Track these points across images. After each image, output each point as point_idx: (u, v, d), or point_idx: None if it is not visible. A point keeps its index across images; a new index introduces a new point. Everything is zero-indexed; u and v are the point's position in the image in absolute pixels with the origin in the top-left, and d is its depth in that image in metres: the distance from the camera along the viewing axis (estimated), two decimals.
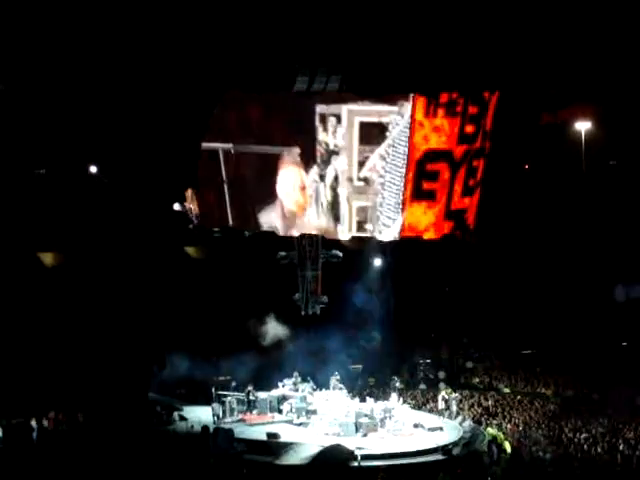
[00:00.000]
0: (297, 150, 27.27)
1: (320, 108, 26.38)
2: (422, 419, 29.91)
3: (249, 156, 28.14)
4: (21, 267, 33.34)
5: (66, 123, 29.12)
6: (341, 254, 32.56)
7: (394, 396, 31.02)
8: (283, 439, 26.68)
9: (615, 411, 30.66)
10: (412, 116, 26.26)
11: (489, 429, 28.83)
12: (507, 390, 35.85)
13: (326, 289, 32.49)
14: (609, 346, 35.59)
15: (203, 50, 24.61)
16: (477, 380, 37.66)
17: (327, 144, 26.93)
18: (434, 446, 26.18)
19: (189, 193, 30.62)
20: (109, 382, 30.69)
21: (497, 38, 24.33)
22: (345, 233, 28.43)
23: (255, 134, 27.66)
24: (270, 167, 27.85)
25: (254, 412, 30.51)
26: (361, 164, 27.08)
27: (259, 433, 27.59)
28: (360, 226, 28.24)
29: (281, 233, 29.16)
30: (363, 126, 26.65)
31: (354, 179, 27.36)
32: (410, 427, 28.56)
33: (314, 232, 29.62)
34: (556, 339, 36.97)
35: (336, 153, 27.04)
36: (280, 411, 30.41)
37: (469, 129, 27.27)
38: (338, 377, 32.12)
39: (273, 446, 26.23)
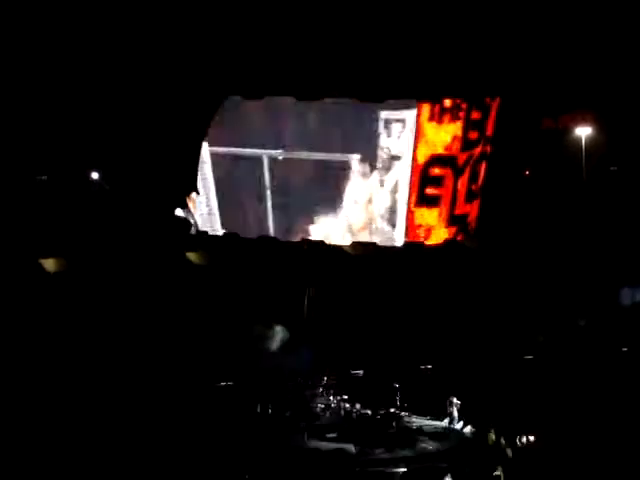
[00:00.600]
0: (357, 156, 27.32)
1: (385, 114, 26.45)
2: (425, 424, 29.92)
3: (302, 163, 28.03)
4: (23, 273, 33.36)
5: (68, 129, 29.18)
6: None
7: (398, 401, 31.05)
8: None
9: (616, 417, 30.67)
10: (417, 122, 26.39)
11: (491, 434, 28.82)
12: None
13: None
14: (610, 351, 35.57)
15: (205, 55, 24.69)
16: None
17: (389, 149, 26.99)
18: (437, 451, 26.21)
19: (192, 197, 30.64)
20: (111, 388, 30.70)
21: (498, 43, 24.41)
22: (401, 239, 28.42)
23: (311, 141, 27.59)
24: (329, 175, 27.82)
25: None
26: None
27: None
28: None
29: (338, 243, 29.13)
30: None
31: None
32: (412, 432, 28.60)
33: (374, 240, 29.52)
34: (557, 345, 36.97)
35: (398, 158, 27.11)
36: None
37: (472, 135, 27.37)
38: None
39: None
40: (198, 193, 30.24)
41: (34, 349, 32.23)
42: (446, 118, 26.62)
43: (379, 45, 24.19)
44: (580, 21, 24.15)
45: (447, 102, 26.58)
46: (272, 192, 28.90)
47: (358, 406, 31.08)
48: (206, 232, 31.05)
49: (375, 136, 26.98)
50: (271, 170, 28.34)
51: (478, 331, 39.27)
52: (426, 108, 26.35)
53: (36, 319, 32.87)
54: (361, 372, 37.75)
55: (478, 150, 27.79)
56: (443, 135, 26.86)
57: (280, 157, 27.96)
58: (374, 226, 28.52)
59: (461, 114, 26.95)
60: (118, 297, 33.63)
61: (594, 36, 24.54)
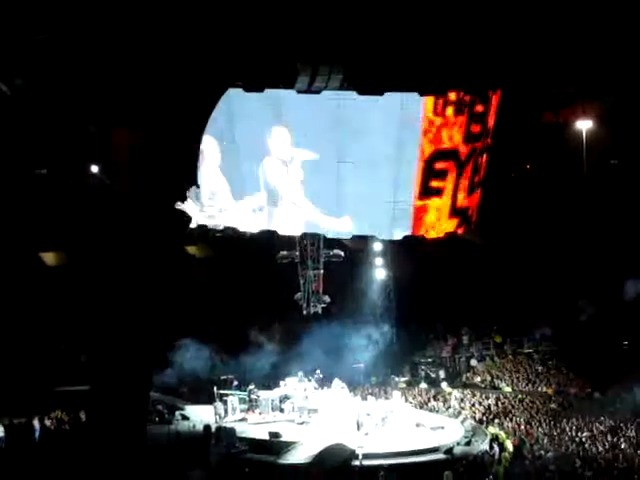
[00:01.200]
0: None
1: None
2: (424, 418, 29.96)
3: None
4: (23, 267, 33.38)
5: (67, 123, 29.11)
6: (342, 253, 32.63)
7: (397, 395, 31.06)
8: (285, 438, 26.74)
9: (616, 410, 30.72)
10: (422, 114, 26.38)
11: (490, 428, 28.87)
12: (508, 389, 35.83)
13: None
14: (611, 345, 35.61)
15: (203, 47, 24.58)
16: (479, 379, 37.64)
17: None
18: (436, 445, 26.23)
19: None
20: (111, 381, 30.65)
21: (498, 35, 24.31)
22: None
23: None
24: None
25: (256, 411, 30.54)
26: None
27: (261, 432, 27.66)
28: None
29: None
30: None
31: None
32: (412, 426, 28.63)
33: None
34: (559, 337, 37.05)
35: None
36: (282, 410, 30.45)
37: (475, 128, 27.38)
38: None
39: (275, 445, 26.28)
40: (198, 186, 30.13)
41: (34, 341, 32.30)
42: (451, 112, 26.62)
43: (377, 36, 24.07)
44: (580, 15, 24.05)
45: (452, 96, 26.56)
46: None
47: (357, 399, 31.16)
48: (206, 225, 30.95)
49: None
50: None
51: (480, 323, 39.43)
52: (430, 102, 26.33)
53: (36, 311, 32.91)
54: (362, 365, 37.86)
55: (480, 143, 27.81)
56: (447, 129, 26.86)
57: None
58: None
59: (465, 108, 26.96)
60: (117, 290, 33.56)
61: (594, 30, 24.43)
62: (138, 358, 31.67)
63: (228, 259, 36.33)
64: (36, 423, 27.41)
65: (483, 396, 34.25)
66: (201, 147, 27.27)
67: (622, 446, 26.32)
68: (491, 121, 28.00)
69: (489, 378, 37.41)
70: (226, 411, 30.16)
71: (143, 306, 32.37)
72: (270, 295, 35.56)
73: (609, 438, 27.28)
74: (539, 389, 35.49)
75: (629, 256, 33.62)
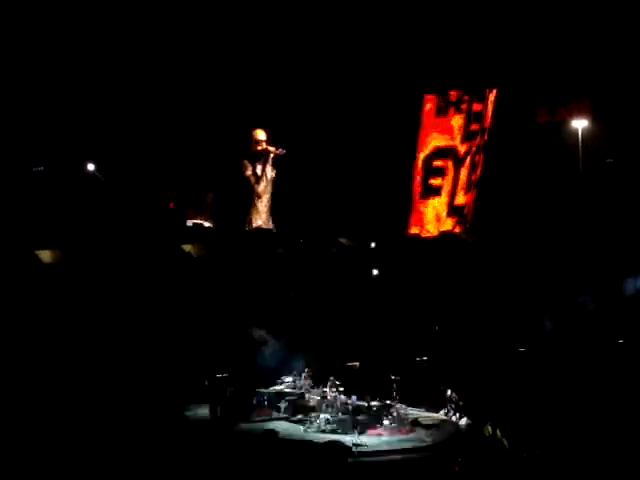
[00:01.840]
0: None
1: None
2: (420, 416, 29.97)
3: None
4: (19, 265, 33.31)
5: (64, 120, 29.13)
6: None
7: (394, 393, 31.08)
8: (280, 436, 26.72)
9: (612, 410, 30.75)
10: (422, 113, 26.53)
11: (487, 425, 28.89)
12: None
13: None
14: (606, 343, 35.67)
15: (201, 45, 24.66)
16: None
17: None
18: (432, 443, 26.27)
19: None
20: (108, 381, 30.70)
21: (495, 35, 24.43)
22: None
23: None
24: None
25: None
26: None
27: (256, 430, 27.62)
28: None
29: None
30: None
31: None
32: (408, 424, 28.65)
33: None
34: (552, 337, 37.07)
35: None
36: (278, 408, 30.43)
37: (473, 126, 27.55)
38: None
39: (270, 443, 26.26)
40: (197, 187, 30.20)
41: (29, 341, 32.22)
42: (450, 110, 26.80)
43: (377, 38, 24.19)
44: (576, 13, 24.15)
45: (452, 94, 26.76)
46: None
47: (354, 398, 31.15)
48: (201, 224, 31.01)
49: None
50: None
51: (474, 323, 39.43)
52: (432, 101, 26.50)
53: (31, 311, 32.83)
54: (357, 364, 37.84)
55: (478, 141, 27.98)
56: (447, 128, 27.03)
57: None
58: None
59: (463, 106, 27.12)
60: (114, 289, 33.61)
61: (591, 28, 24.54)
62: (136, 357, 31.82)
63: (224, 258, 36.30)
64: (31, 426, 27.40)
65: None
66: None
67: (619, 445, 26.32)
68: (488, 120, 28.15)
69: None
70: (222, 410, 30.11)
71: (139, 305, 32.53)
72: (266, 292, 35.55)
73: (606, 436, 27.28)
74: (534, 386, 35.46)
75: (625, 254, 33.70)
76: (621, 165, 32.91)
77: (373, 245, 37.28)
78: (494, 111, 28.35)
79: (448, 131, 26.97)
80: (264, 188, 29.81)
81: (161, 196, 32.22)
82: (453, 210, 28.76)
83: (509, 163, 32.23)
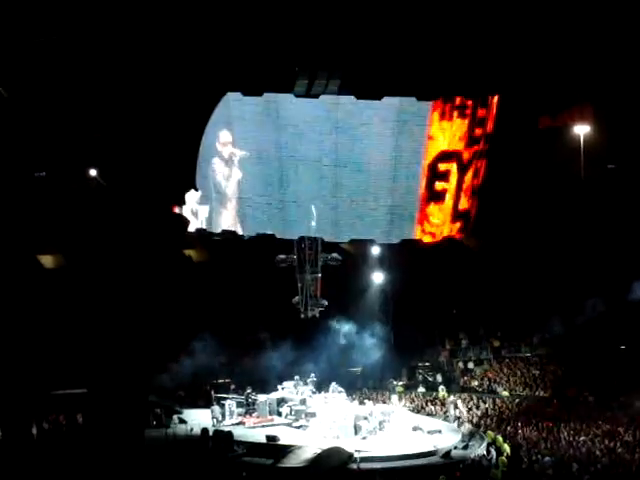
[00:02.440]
0: None
1: None
2: (421, 422, 29.95)
3: None
4: (21, 269, 33.36)
5: (66, 126, 29.16)
6: (340, 257, 32.62)
7: (395, 399, 31.09)
8: (282, 442, 26.73)
9: (613, 414, 30.72)
10: (429, 118, 26.58)
11: (488, 432, 28.85)
12: (506, 393, 35.81)
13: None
14: (608, 349, 35.63)
15: (203, 52, 24.65)
16: (476, 383, 37.63)
17: None
18: (433, 449, 26.23)
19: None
20: (109, 384, 30.68)
21: (498, 42, 24.42)
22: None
23: None
24: None
25: (253, 415, 30.53)
26: None
27: (258, 436, 27.65)
28: None
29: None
30: None
31: None
32: (409, 430, 28.64)
33: None
34: (556, 341, 37.04)
35: None
36: (279, 414, 30.46)
37: (477, 131, 27.63)
38: None
39: (272, 449, 26.27)
40: (197, 190, 30.22)
41: (31, 344, 32.27)
42: (455, 115, 26.90)
43: (374, 42, 24.16)
44: (578, 20, 24.14)
45: (456, 100, 26.83)
46: None
47: (355, 403, 31.16)
48: (204, 229, 31.00)
49: None
50: None
51: (477, 327, 39.44)
52: (438, 106, 26.58)
53: (34, 314, 32.89)
54: (359, 369, 37.88)
55: (481, 146, 28.05)
56: (452, 132, 27.11)
57: None
58: None
59: (468, 111, 27.23)
60: (115, 293, 33.62)
61: (592, 35, 24.53)
62: (136, 362, 31.81)
63: (225, 262, 36.34)
64: (34, 426, 27.44)
65: (480, 400, 34.23)
66: None
67: (619, 451, 26.28)
68: (490, 125, 28.16)
69: (486, 382, 37.41)
70: (223, 415, 30.16)
71: (141, 309, 32.52)
72: (267, 299, 35.55)
73: (606, 442, 27.24)
74: (536, 393, 35.48)
75: (626, 260, 33.65)
76: (623, 171, 32.87)
77: (376, 250, 37.39)
78: (496, 117, 28.38)
79: (453, 136, 27.01)
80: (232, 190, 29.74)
81: (163, 201, 32.23)
82: (458, 215, 28.77)
83: (512, 168, 32.20)
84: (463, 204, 28.88)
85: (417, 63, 25.16)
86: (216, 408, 30.20)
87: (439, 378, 37.98)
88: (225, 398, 31.05)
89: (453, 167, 27.88)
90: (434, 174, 27.66)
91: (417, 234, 28.53)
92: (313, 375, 32.55)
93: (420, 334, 38.95)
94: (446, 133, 27.35)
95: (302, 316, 32.48)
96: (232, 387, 32.48)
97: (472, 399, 34.39)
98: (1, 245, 32.04)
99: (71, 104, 28.01)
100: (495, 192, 31.14)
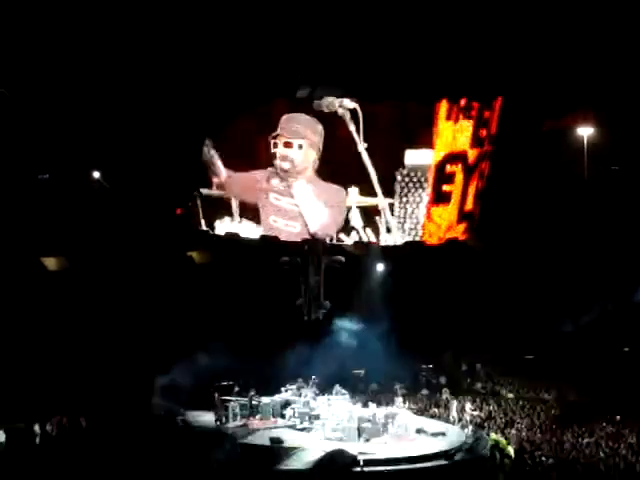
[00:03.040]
0: None
1: None
2: (425, 424, 29.91)
3: None
4: (24, 272, 33.38)
5: (69, 128, 29.18)
6: (343, 259, 32.59)
7: (399, 401, 31.03)
8: (286, 444, 26.71)
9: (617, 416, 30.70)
10: (435, 120, 26.64)
11: (492, 434, 28.82)
12: (510, 395, 35.80)
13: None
14: (611, 351, 35.61)
15: (205, 56, 24.67)
16: (480, 385, 37.61)
17: None
18: (437, 451, 26.19)
19: None
20: (112, 387, 30.70)
21: (502, 44, 24.41)
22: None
23: None
24: None
25: (257, 417, 30.50)
26: None
27: (262, 438, 27.62)
28: None
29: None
30: None
31: None
32: (413, 432, 28.59)
33: None
34: (559, 344, 36.98)
35: None
36: (283, 416, 30.43)
37: (482, 133, 27.67)
38: None
39: (276, 451, 26.24)
40: (200, 192, 30.22)
41: (35, 346, 32.28)
42: (461, 117, 26.96)
43: (376, 47, 24.17)
44: (582, 22, 24.14)
45: (462, 101, 26.89)
46: None
47: (358, 405, 31.13)
48: (207, 231, 31.00)
49: None
50: None
51: (481, 330, 39.38)
52: (444, 107, 26.61)
53: (37, 316, 32.91)
54: (362, 372, 37.81)
55: (486, 148, 28.10)
56: (458, 133, 27.16)
57: None
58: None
59: (473, 113, 27.27)
60: (118, 295, 33.66)
61: (596, 37, 24.52)
62: (139, 364, 31.79)
63: (228, 264, 36.32)
64: (37, 428, 27.44)
65: (484, 402, 34.20)
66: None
67: (623, 452, 26.27)
68: (494, 127, 28.19)
69: (490, 384, 37.40)
70: (227, 417, 30.15)
71: (144, 312, 32.50)
72: (270, 301, 35.53)
73: (610, 444, 27.23)
74: (540, 395, 35.46)
75: (630, 262, 33.65)
76: (627, 172, 32.86)
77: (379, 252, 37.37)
78: (499, 119, 28.42)
79: (458, 137, 27.11)
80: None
81: (167, 203, 32.25)
82: (464, 217, 28.84)
83: (515, 170, 32.19)
84: (468, 205, 28.92)
85: (420, 67, 25.16)
86: (219, 410, 30.17)
87: (443, 380, 37.93)
88: (228, 400, 31.02)
89: (459, 168, 27.93)
90: (442, 176, 27.71)
91: (424, 236, 28.58)
92: (316, 377, 32.57)
93: (424, 336, 38.89)
94: (452, 135, 27.43)
95: (305, 318, 32.43)
96: (235, 389, 32.41)
97: (475, 401, 34.35)
98: (4, 247, 32.05)
99: (74, 106, 28.02)
100: (499, 193, 31.13)
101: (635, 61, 25.70)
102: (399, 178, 27.52)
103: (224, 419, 29.97)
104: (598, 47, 24.81)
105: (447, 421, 30.97)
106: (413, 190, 27.71)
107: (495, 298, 37.07)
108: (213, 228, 30.21)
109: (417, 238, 28.71)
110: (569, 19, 23.89)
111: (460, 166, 27.83)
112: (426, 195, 27.76)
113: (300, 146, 27.48)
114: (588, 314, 34.87)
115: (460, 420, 30.55)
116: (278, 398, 31.35)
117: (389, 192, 27.66)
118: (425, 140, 27.35)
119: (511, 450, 26.81)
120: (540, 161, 32.34)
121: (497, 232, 33.28)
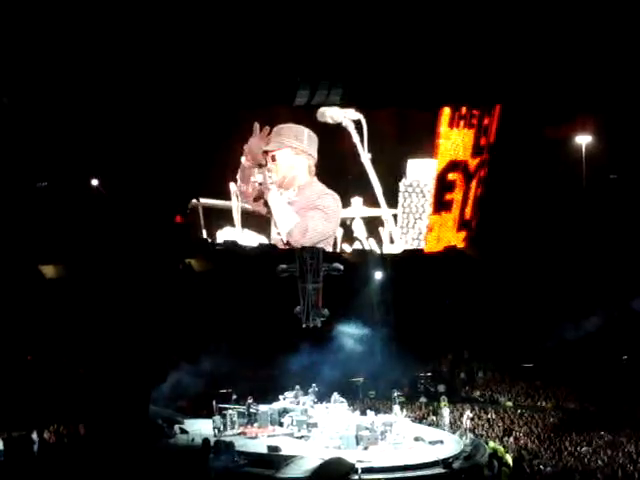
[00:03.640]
0: None
1: None
2: (423, 432, 29.91)
3: None
4: (22, 280, 33.39)
5: (68, 136, 29.18)
6: (342, 267, 32.59)
7: (397, 409, 31.02)
8: (284, 452, 26.68)
9: (615, 424, 30.67)
10: (437, 128, 26.70)
11: (490, 442, 28.81)
12: (508, 403, 35.80)
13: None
14: (610, 359, 35.61)
15: (203, 62, 24.65)
16: (478, 393, 37.61)
17: None
18: (435, 459, 26.16)
19: None
20: (111, 395, 30.66)
21: (501, 52, 24.42)
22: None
23: None
24: None
25: (255, 425, 30.50)
26: None
27: (260, 446, 27.58)
28: None
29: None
30: None
31: None
32: (411, 440, 28.58)
33: None
34: (556, 352, 36.97)
35: None
36: (281, 424, 30.42)
37: (483, 141, 27.75)
38: None
39: (274, 459, 26.22)
40: (198, 200, 30.19)
41: (33, 354, 32.31)
42: (462, 124, 27.00)
43: (376, 51, 24.14)
44: (580, 31, 24.15)
45: (463, 109, 26.95)
46: None
47: (356, 413, 31.11)
48: (206, 239, 30.99)
49: None
50: None
51: (480, 338, 39.39)
52: (446, 115, 26.68)
53: (35, 324, 32.91)
54: (360, 379, 37.82)
55: (485, 156, 28.16)
56: (459, 141, 27.20)
57: None
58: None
59: (474, 121, 27.33)
60: (117, 303, 33.62)
61: (594, 46, 24.53)
62: (137, 372, 31.77)
63: (227, 272, 36.34)
64: (35, 436, 27.41)
65: (482, 410, 34.19)
66: None
67: (621, 461, 26.25)
68: (492, 135, 28.25)
69: (489, 392, 37.40)
70: (225, 425, 30.13)
71: (142, 319, 32.48)
72: (269, 309, 35.54)
73: (608, 453, 27.22)
74: (538, 403, 35.47)
75: (629, 270, 33.68)
76: (625, 181, 32.91)
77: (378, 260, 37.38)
78: (497, 127, 28.48)
79: (460, 145, 27.15)
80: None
81: (166, 211, 32.24)
82: (463, 225, 28.90)
83: (514, 178, 32.22)
84: (467, 213, 28.97)
85: (420, 73, 25.14)
86: (217, 418, 30.16)
87: (441, 388, 37.91)
88: (226, 408, 31.01)
89: (460, 176, 27.98)
90: (443, 184, 27.76)
91: (426, 246, 28.61)
92: (314, 385, 32.58)
93: (423, 344, 38.93)
94: (454, 143, 27.47)
95: (304, 326, 32.39)
96: (233, 397, 32.42)
97: (474, 409, 34.35)
98: (2, 255, 32.05)
99: (73, 114, 28.00)
100: (497, 201, 31.16)
101: (633, 69, 25.70)
102: (402, 188, 27.49)
103: (222, 427, 29.98)
104: (596, 55, 24.80)
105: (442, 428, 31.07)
106: (416, 200, 27.68)
107: (494, 306, 37.11)
108: (214, 238, 30.15)
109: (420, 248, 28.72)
110: (568, 27, 23.89)
111: (461, 175, 27.88)
112: (429, 205, 27.73)
113: (285, 156, 27.12)
114: (591, 322, 34.88)
115: (452, 427, 30.63)
116: (276, 406, 31.34)
117: (392, 203, 27.59)
118: (427, 149, 27.32)
119: (509, 458, 26.80)
120: (538, 169, 32.37)
121: (496, 240, 33.32)
